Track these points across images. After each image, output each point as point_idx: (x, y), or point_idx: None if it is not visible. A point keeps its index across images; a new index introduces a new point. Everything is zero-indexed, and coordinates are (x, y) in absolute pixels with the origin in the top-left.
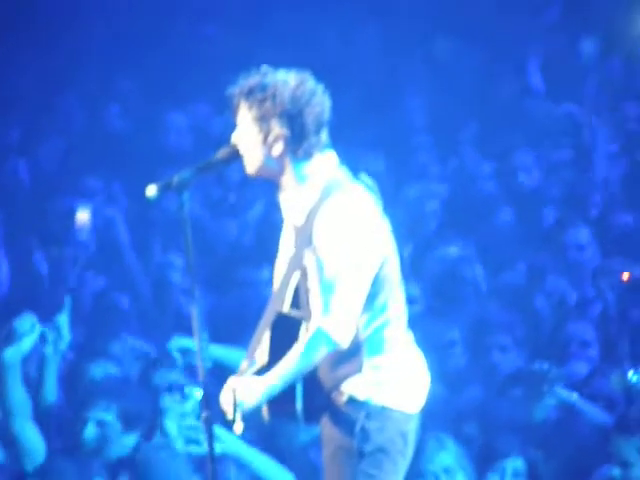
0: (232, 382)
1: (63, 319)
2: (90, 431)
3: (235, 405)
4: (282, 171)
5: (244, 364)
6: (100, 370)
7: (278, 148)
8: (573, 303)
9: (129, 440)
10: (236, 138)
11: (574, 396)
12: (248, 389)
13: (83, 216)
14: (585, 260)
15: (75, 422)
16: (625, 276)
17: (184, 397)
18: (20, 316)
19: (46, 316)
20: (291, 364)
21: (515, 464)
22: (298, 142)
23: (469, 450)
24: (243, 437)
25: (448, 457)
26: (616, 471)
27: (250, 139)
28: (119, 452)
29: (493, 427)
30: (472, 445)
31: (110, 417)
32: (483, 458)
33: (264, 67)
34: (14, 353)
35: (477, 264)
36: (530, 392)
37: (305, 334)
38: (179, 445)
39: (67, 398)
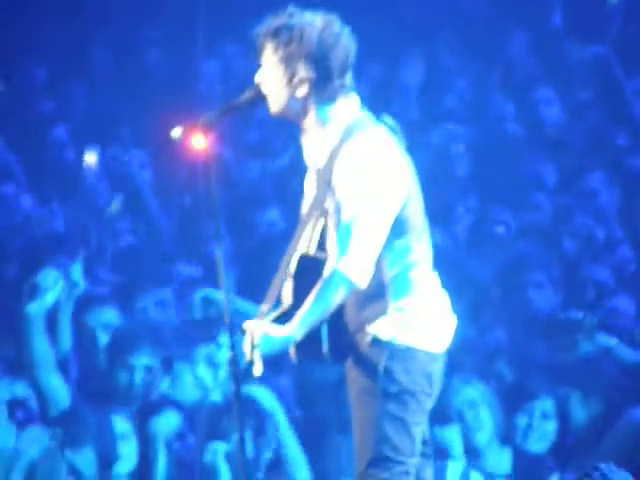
0: (252, 325)
1: (76, 267)
2: (138, 377)
3: (253, 347)
4: (305, 113)
5: (265, 307)
6: (140, 316)
7: (303, 90)
8: (601, 244)
9: (164, 384)
10: (260, 79)
11: (613, 341)
12: (266, 334)
13: (94, 162)
14: (603, 203)
15: (115, 369)
16: None
17: (218, 346)
18: (43, 270)
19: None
20: (310, 308)
21: (544, 405)
22: (323, 85)
23: (498, 389)
24: (274, 372)
25: (472, 391)
26: None
27: (275, 80)
28: (152, 396)
29: (524, 367)
30: (501, 384)
31: (156, 363)
32: (512, 398)
33: (291, 8)
34: (38, 307)
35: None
36: (565, 341)
37: (323, 276)
38: (215, 396)
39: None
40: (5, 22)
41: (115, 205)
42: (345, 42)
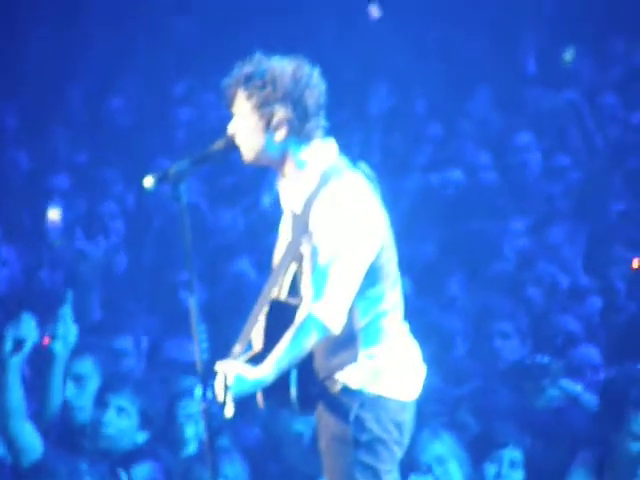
0: (224, 366)
1: (67, 312)
2: (109, 416)
3: (225, 389)
4: (283, 157)
5: (237, 348)
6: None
7: (281, 133)
8: (565, 291)
9: (140, 437)
10: (233, 128)
11: (578, 388)
12: (239, 376)
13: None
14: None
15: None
16: (636, 263)
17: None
18: (19, 319)
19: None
20: (282, 351)
21: (512, 454)
22: (300, 125)
23: (464, 439)
24: (240, 421)
25: (441, 447)
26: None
27: (250, 127)
28: (125, 445)
29: (491, 416)
30: (468, 434)
31: (131, 408)
32: (479, 447)
33: (257, 55)
34: (17, 357)
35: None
36: (532, 385)
37: (297, 320)
38: (192, 448)
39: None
40: None
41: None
42: (317, 81)
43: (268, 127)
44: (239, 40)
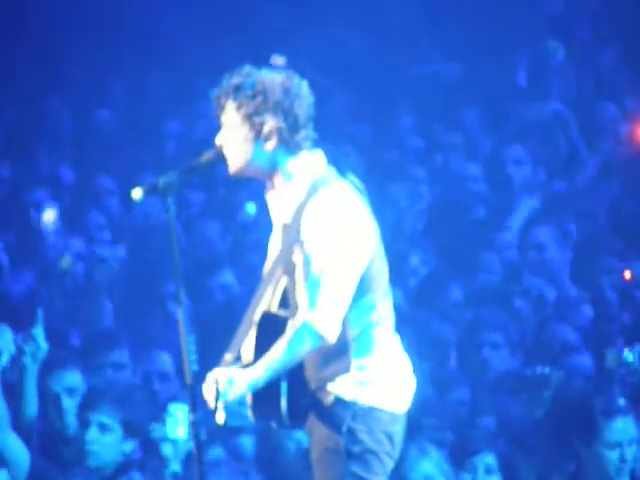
0: (215, 372)
1: (38, 330)
2: (92, 434)
3: (217, 394)
4: (272, 168)
5: (228, 356)
6: (104, 376)
7: (272, 142)
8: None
9: (127, 446)
10: (221, 140)
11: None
12: (230, 379)
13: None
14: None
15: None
16: (627, 274)
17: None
18: None
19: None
20: (275, 357)
21: (486, 460)
22: (290, 135)
23: (445, 449)
24: (234, 430)
25: (429, 465)
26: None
27: (240, 137)
28: (114, 458)
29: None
30: (447, 444)
31: (113, 422)
32: (456, 457)
33: (246, 67)
34: None
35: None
36: (532, 396)
37: (290, 328)
38: (175, 466)
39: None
40: None
41: (65, 261)
42: (306, 93)
43: (258, 137)
44: (229, 50)
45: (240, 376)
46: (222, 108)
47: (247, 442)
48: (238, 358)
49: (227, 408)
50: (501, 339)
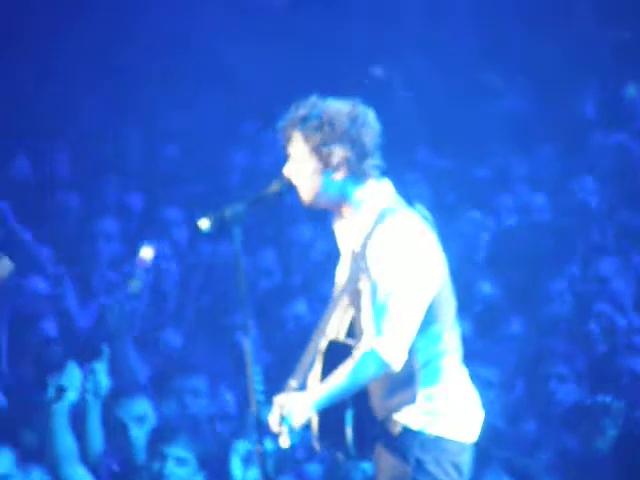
0: (279, 398)
1: (101, 366)
2: (170, 468)
3: (281, 418)
4: (340, 198)
5: (292, 383)
6: (174, 407)
7: (341, 172)
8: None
9: (199, 478)
10: (289, 171)
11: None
12: (294, 403)
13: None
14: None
15: (150, 460)
16: None
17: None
18: (66, 368)
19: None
20: (339, 381)
21: None
22: (359, 164)
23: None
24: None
25: None
26: None
27: (308, 169)
28: None
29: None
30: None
31: (190, 456)
32: None
33: (312, 98)
34: (62, 404)
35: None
36: (592, 426)
37: (356, 353)
38: None
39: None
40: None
41: (135, 284)
42: (372, 122)
43: (327, 168)
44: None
45: (303, 399)
46: (289, 140)
47: (315, 470)
48: (302, 386)
49: (291, 432)
50: (568, 371)
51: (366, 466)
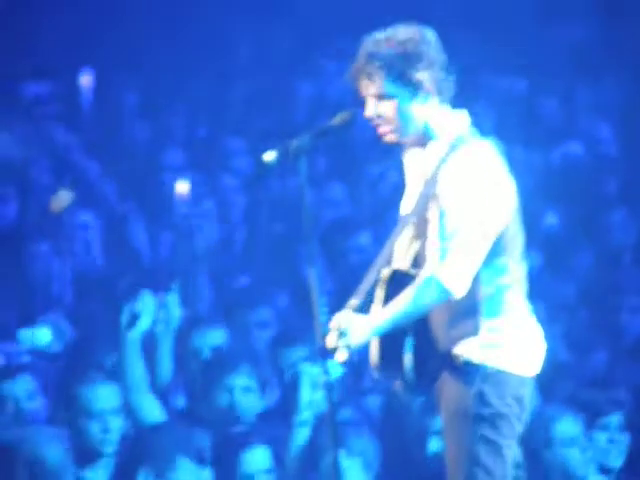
0: (339, 314)
1: (173, 297)
2: (238, 397)
3: (340, 333)
4: (420, 126)
5: (353, 301)
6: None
7: (427, 93)
8: None
9: (260, 406)
10: (373, 111)
11: None
12: (354, 322)
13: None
14: None
15: (214, 390)
16: None
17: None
18: (139, 295)
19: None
20: (400, 307)
21: (619, 418)
22: (442, 82)
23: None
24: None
25: (568, 426)
26: None
27: (397, 101)
28: (249, 419)
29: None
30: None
31: (254, 383)
32: (589, 415)
33: (376, 33)
34: (136, 332)
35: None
36: None
37: (418, 279)
38: (305, 416)
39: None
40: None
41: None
42: (437, 41)
43: (415, 93)
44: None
45: (363, 321)
46: (367, 79)
47: (374, 402)
48: (363, 307)
49: (348, 349)
50: (638, 302)
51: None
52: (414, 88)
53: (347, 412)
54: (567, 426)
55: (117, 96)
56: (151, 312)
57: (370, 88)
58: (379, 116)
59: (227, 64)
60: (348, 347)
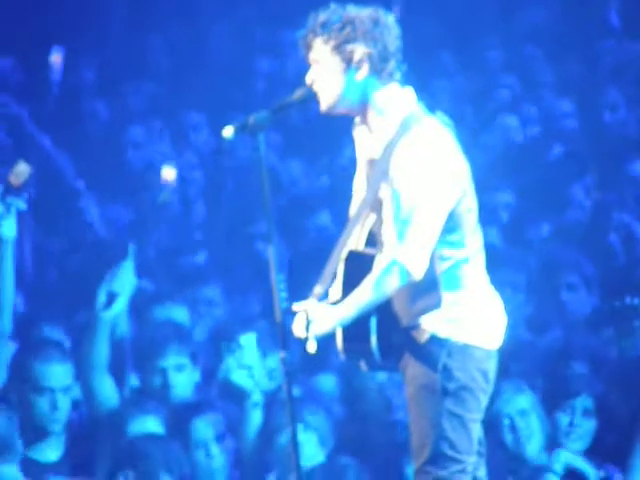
0: (306, 304)
1: (128, 264)
2: (172, 377)
3: (307, 324)
4: (362, 102)
5: (317, 289)
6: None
7: (363, 71)
8: None
9: (196, 378)
10: (311, 77)
11: None
12: (320, 313)
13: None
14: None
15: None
16: None
17: (240, 347)
18: (115, 276)
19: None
20: (364, 294)
21: (585, 403)
22: (381, 62)
23: (537, 387)
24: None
25: (524, 401)
26: None
27: (330, 70)
28: (186, 395)
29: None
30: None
31: (187, 360)
32: (552, 397)
33: (332, 5)
34: (111, 312)
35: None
36: (621, 329)
37: (378, 264)
38: (256, 396)
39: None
40: None
41: (164, 196)
42: (393, 25)
43: (349, 66)
44: None
45: (329, 312)
46: (310, 46)
47: (329, 381)
48: (327, 294)
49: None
50: (578, 280)
51: (381, 377)
52: (350, 61)
53: (300, 390)
54: (522, 401)
55: (77, 74)
56: (128, 293)
57: (310, 54)
58: (315, 83)
59: (189, 39)
60: (315, 337)
